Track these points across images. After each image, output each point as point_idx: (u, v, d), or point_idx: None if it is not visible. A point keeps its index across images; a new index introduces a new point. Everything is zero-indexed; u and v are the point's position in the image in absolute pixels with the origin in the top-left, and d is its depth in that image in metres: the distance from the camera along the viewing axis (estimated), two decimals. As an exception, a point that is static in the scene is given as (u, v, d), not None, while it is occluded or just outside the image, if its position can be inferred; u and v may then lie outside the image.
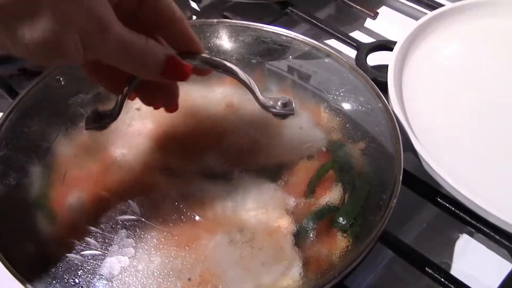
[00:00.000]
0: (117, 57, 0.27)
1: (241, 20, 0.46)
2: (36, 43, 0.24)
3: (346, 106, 0.39)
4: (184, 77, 0.30)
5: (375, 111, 0.38)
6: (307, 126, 0.37)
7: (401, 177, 0.34)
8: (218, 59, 0.32)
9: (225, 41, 0.44)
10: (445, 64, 0.48)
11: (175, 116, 0.36)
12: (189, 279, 0.30)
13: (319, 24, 0.55)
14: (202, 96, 0.37)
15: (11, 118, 0.38)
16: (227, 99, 0.37)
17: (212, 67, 0.32)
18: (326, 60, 0.42)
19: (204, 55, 0.32)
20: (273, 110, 0.36)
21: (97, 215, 0.32)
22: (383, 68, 0.47)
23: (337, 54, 0.42)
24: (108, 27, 0.26)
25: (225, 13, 0.55)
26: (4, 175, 0.34)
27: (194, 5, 0.66)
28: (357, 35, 0.57)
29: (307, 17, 0.56)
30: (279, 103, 0.36)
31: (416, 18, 0.56)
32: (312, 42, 0.43)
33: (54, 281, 0.29)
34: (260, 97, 0.34)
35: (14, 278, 0.30)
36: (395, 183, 0.34)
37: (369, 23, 0.61)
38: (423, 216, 0.43)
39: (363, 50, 0.51)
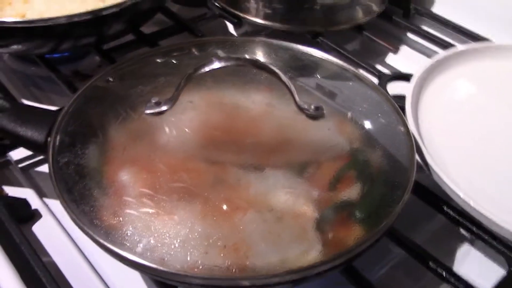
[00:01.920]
0: None
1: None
2: None
3: (369, 118, 0.44)
4: None
5: (394, 125, 0.44)
6: (334, 130, 0.42)
7: (413, 179, 0.39)
8: (265, 63, 0.38)
9: (264, 56, 0.50)
10: (456, 98, 0.54)
11: (221, 111, 0.41)
12: (225, 246, 0.35)
13: (345, 53, 0.61)
14: (246, 96, 0.43)
15: (79, 102, 0.43)
16: (267, 100, 0.43)
17: (260, 69, 0.38)
18: (354, 80, 0.48)
19: (255, 58, 0.38)
20: (307, 112, 0.41)
21: (150, 183, 0.37)
22: (401, 97, 0.53)
23: (364, 75, 0.48)
24: None
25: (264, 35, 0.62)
26: (71, 145, 0.39)
27: (232, 30, 0.73)
28: (378, 67, 0.63)
29: (335, 47, 0.62)
30: (312, 107, 0.41)
31: (430, 56, 0.63)
32: (342, 63, 0.49)
33: (113, 231, 0.34)
34: (298, 98, 0.40)
35: (79, 229, 0.35)
36: (408, 183, 0.39)
37: (388, 58, 0.68)
38: (429, 225, 0.47)
39: (384, 79, 0.57)
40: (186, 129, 0.41)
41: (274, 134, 0.41)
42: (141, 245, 0.34)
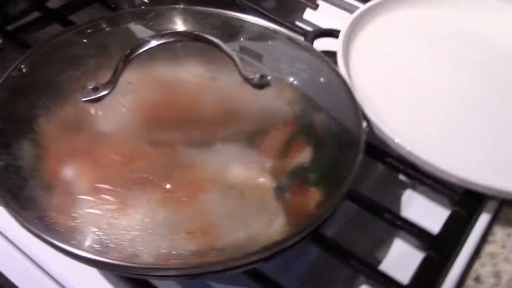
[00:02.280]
0: None
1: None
2: None
3: (310, 80, 0.44)
4: None
5: (333, 83, 0.44)
6: (279, 97, 0.42)
7: (364, 136, 0.40)
8: (208, 36, 0.37)
9: (193, 26, 0.48)
10: (382, 49, 0.56)
11: (163, 89, 0.39)
12: (190, 233, 0.34)
13: (266, 13, 0.60)
14: (186, 70, 0.41)
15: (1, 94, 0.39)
16: (210, 73, 0.41)
17: (200, 41, 0.36)
18: (287, 42, 0.47)
19: (195, 32, 0.36)
20: (252, 81, 0.40)
21: (100, 175, 0.35)
22: (330, 53, 0.53)
23: (296, 36, 0.48)
24: None
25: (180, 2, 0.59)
26: (5, 146, 0.36)
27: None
28: (300, 25, 0.63)
29: (255, 7, 0.61)
30: (257, 76, 0.40)
31: (348, 11, 0.64)
32: (274, 27, 0.48)
33: (72, 234, 0.32)
34: (242, 69, 0.39)
35: (36, 237, 0.32)
36: (359, 140, 0.39)
37: (307, 15, 0.68)
38: (372, 177, 0.49)
39: (310, 36, 0.57)
40: (130, 113, 0.38)
41: (221, 107, 0.40)
42: (103, 243, 0.32)
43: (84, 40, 0.45)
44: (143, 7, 0.63)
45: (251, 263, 0.34)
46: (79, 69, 0.41)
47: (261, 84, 0.41)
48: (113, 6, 0.59)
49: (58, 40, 0.45)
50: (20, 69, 0.42)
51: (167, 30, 0.46)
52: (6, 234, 0.41)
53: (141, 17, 0.48)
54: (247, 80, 0.40)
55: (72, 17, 0.59)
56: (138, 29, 0.47)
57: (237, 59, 0.39)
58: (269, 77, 0.41)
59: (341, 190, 0.37)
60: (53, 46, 0.44)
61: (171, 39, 0.36)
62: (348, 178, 0.37)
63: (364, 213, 0.44)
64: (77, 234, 0.33)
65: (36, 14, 0.57)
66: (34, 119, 0.38)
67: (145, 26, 0.47)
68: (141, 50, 0.36)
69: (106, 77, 0.40)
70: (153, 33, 0.46)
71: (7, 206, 0.33)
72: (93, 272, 0.39)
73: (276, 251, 0.33)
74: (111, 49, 0.44)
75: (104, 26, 0.47)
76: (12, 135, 0.37)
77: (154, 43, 0.36)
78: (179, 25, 0.47)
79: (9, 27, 0.55)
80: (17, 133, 0.37)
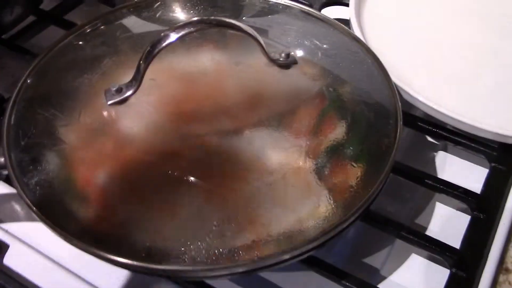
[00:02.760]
0: None
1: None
2: None
3: (334, 53, 0.42)
4: None
5: (357, 52, 0.43)
6: (305, 74, 0.40)
7: (400, 104, 0.38)
8: (230, 20, 0.35)
9: (197, 10, 0.46)
10: (394, 8, 0.54)
11: (188, 81, 0.38)
12: (238, 226, 0.33)
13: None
14: (209, 58, 0.40)
15: (18, 110, 0.37)
16: (233, 58, 0.40)
17: (225, 27, 0.35)
18: (302, 16, 0.45)
19: (216, 17, 0.34)
20: (279, 62, 0.39)
21: (138, 179, 0.34)
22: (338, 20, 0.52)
23: (304, 7, 0.46)
24: None
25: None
26: (35, 162, 0.34)
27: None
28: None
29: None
30: (283, 55, 0.39)
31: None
32: (281, 0, 0.46)
33: (119, 243, 0.31)
34: (267, 50, 0.37)
35: (86, 252, 0.31)
36: (395, 108, 0.38)
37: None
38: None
39: (316, 6, 0.55)
40: (158, 111, 0.37)
41: (249, 92, 0.39)
42: (153, 249, 0.31)
43: (90, 41, 0.43)
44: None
45: (309, 251, 0.33)
46: (95, 71, 0.39)
47: (287, 64, 0.39)
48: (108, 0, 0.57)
49: (63, 45, 0.43)
50: (32, 79, 0.40)
51: (175, 20, 0.45)
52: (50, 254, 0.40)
53: (145, 9, 0.46)
54: (272, 61, 0.39)
55: (67, 17, 0.56)
56: (145, 23, 0.45)
57: (262, 41, 0.37)
58: (295, 56, 0.39)
59: (387, 162, 0.35)
60: (59, 51, 0.42)
61: (192, 29, 0.34)
62: (393, 148, 0.36)
63: (398, 181, 0.43)
64: (126, 243, 0.31)
65: (31, 18, 0.54)
66: (59, 129, 0.36)
67: (152, 18, 0.45)
68: (162, 46, 0.34)
69: (125, 76, 0.38)
70: (162, 24, 0.44)
71: (48, 224, 0.32)
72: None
73: (334, 234, 0.32)
74: (123, 46, 0.42)
75: (107, 23, 0.45)
76: (40, 150, 0.35)
77: (174, 36, 0.34)
78: (187, 13, 0.45)
79: (4, 36, 0.52)
80: (45, 147, 0.35)
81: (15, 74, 0.55)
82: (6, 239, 0.40)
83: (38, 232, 0.40)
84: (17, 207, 0.43)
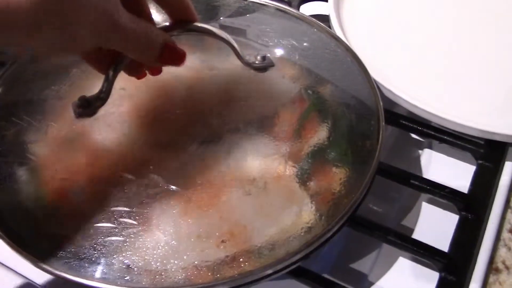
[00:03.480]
0: (120, 45, 0.29)
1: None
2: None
3: (312, 52, 0.41)
4: (179, 62, 0.32)
5: (336, 51, 0.41)
6: (283, 76, 0.39)
7: (381, 103, 0.37)
8: (203, 25, 0.33)
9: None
10: (373, 3, 0.53)
11: (160, 89, 0.36)
12: (219, 239, 0.32)
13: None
14: (184, 65, 0.38)
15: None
16: (207, 62, 0.38)
17: (201, 33, 0.33)
18: (273, 12, 0.44)
19: (188, 22, 0.33)
20: (255, 65, 0.37)
21: (114, 196, 0.32)
22: (317, 18, 0.50)
23: (284, 6, 0.44)
24: (117, 22, 0.27)
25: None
26: (1, 183, 0.33)
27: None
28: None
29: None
30: (258, 58, 0.37)
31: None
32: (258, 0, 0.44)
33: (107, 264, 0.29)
34: (242, 54, 0.36)
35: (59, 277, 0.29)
36: (377, 107, 0.37)
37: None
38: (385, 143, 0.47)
39: (295, 3, 0.54)
40: (130, 122, 0.35)
41: (226, 98, 0.37)
42: (133, 270, 0.30)
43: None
44: None
45: (293, 263, 0.31)
46: (63, 81, 0.37)
47: (264, 66, 0.38)
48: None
49: (31, 53, 0.41)
50: (-2, 92, 0.38)
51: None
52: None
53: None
54: (248, 64, 0.37)
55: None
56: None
57: (235, 45, 0.35)
58: (270, 58, 0.38)
59: (371, 164, 0.34)
60: (26, 61, 0.40)
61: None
62: (376, 149, 0.35)
63: (383, 182, 0.42)
64: (101, 266, 0.30)
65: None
66: (26, 145, 0.34)
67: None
68: (131, 54, 0.33)
69: (93, 87, 0.36)
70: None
71: (20, 253, 0.30)
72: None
73: (320, 244, 0.31)
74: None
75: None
76: (6, 169, 0.33)
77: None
78: (157, 15, 0.44)
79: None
80: (11, 165, 0.33)
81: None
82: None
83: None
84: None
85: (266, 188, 0.34)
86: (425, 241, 0.38)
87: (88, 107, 0.34)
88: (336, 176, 0.35)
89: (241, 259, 0.31)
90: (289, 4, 0.54)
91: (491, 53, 0.48)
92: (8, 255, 0.33)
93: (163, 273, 0.30)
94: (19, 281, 0.37)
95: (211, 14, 0.44)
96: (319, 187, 0.34)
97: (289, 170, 0.35)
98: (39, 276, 0.36)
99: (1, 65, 0.40)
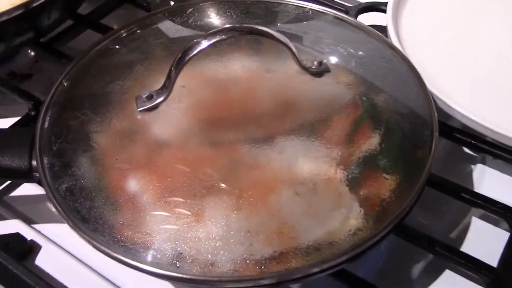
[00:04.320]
0: None
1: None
2: None
3: (368, 60, 0.42)
4: None
5: (392, 60, 0.42)
6: (338, 82, 0.39)
7: (436, 114, 0.37)
8: (262, 27, 0.34)
9: (229, 17, 0.46)
10: (431, 15, 0.53)
11: (219, 88, 0.38)
12: (267, 236, 0.32)
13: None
14: (239, 65, 0.39)
15: (52, 114, 0.38)
16: (265, 65, 0.39)
17: (257, 35, 0.34)
18: (335, 22, 0.45)
19: (247, 25, 0.34)
20: (311, 70, 0.38)
21: (168, 187, 0.33)
22: (375, 28, 0.51)
23: (342, 14, 0.45)
24: None
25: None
26: (66, 167, 0.35)
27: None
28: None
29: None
30: (315, 63, 0.38)
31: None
32: (317, 7, 0.45)
33: (149, 252, 0.31)
34: (300, 58, 0.37)
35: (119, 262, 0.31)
36: (431, 118, 0.37)
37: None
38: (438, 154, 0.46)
39: (352, 12, 0.54)
40: (188, 118, 0.37)
41: (281, 100, 0.38)
42: (183, 258, 0.31)
43: (125, 46, 0.43)
44: (175, 3, 0.61)
45: (339, 264, 0.32)
46: (127, 77, 0.39)
47: (320, 71, 0.38)
48: (144, 4, 0.57)
49: (99, 49, 0.43)
50: (67, 83, 0.40)
51: (209, 26, 0.45)
52: (80, 256, 0.40)
53: (179, 15, 0.46)
54: (305, 69, 0.38)
55: (104, 21, 0.57)
56: (178, 28, 0.45)
57: (294, 49, 0.36)
58: (326, 62, 0.39)
59: (422, 174, 0.34)
60: (94, 55, 0.43)
61: (223, 37, 0.34)
62: (428, 160, 0.35)
63: (433, 194, 0.41)
64: (155, 252, 0.31)
65: (68, 22, 0.55)
66: (90, 135, 0.36)
67: (185, 24, 0.45)
68: (193, 53, 0.34)
69: (156, 82, 0.38)
70: (194, 30, 0.44)
71: (78, 230, 0.32)
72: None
73: (365, 248, 0.32)
74: (156, 52, 0.42)
75: (142, 28, 0.45)
76: (71, 155, 0.35)
77: (205, 43, 0.34)
78: (220, 19, 0.45)
79: (42, 39, 0.53)
80: (76, 152, 0.35)
81: (52, 77, 0.56)
82: (39, 240, 0.41)
83: (70, 234, 0.40)
84: (49, 208, 0.44)
85: (316, 190, 0.34)
86: (474, 255, 0.37)
87: (151, 101, 0.36)
88: (386, 183, 0.35)
89: (288, 256, 0.31)
90: (347, 13, 0.54)
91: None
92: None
93: (212, 263, 0.31)
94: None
95: (270, 19, 0.45)
96: (368, 193, 0.35)
97: (339, 174, 0.35)
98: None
99: (70, 59, 0.42)
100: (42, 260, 0.40)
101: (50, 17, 0.50)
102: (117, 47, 0.43)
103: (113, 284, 0.39)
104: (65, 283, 0.39)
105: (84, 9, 0.57)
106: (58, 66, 0.53)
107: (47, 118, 0.38)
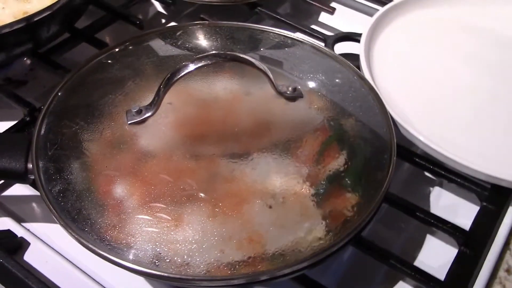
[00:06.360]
0: None
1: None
2: None
3: (337, 87, 0.46)
4: None
5: (360, 89, 0.46)
6: (309, 107, 0.44)
7: (395, 140, 0.42)
8: (244, 55, 0.39)
9: (214, 41, 0.50)
10: (402, 48, 0.57)
11: (202, 107, 0.42)
12: (238, 243, 0.36)
13: (286, 20, 0.62)
14: (222, 88, 0.43)
15: (49, 121, 0.42)
16: (245, 88, 0.43)
17: (235, 61, 0.39)
18: (309, 49, 0.49)
19: (231, 53, 0.38)
20: (286, 94, 0.42)
21: (151, 193, 0.37)
22: (349, 56, 0.55)
23: (315, 43, 0.49)
24: None
25: (201, 15, 0.61)
26: (59, 171, 0.38)
27: (160, 9, 0.71)
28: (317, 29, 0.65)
29: (274, 15, 0.63)
30: (289, 89, 0.42)
31: (365, 13, 0.66)
32: (300, 37, 0.50)
33: (128, 249, 0.35)
34: (276, 84, 0.41)
35: (104, 259, 0.34)
36: (391, 143, 0.41)
37: (322, 18, 0.69)
38: (399, 176, 0.51)
39: (330, 41, 0.59)
40: (172, 132, 0.40)
41: (257, 121, 0.42)
42: (161, 258, 0.35)
43: (118, 62, 0.47)
44: (168, 24, 0.65)
45: (300, 270, 0.36)
46: (118, 92, 0.43)
47: (294, 97, 0.43)
48: (137, 22, 0.61)
49: (94, 63, 0.47)
50: (63, 94, 0.44)
51: (197, 48, 0.49)
52: (65, 254, 0.43)
53: (169, 35, 0.50)
54: (280, 93, 0.42)
55: (99, 35, 0.61)
56: (168, 48, 0.49)
57: (271, 76, 0.40)
58: (300, 88, 0.43)
59: (379, 193, 0.38)
60: (90, 69, 0.46)
61: (208, 62, 0.38)
62: (385, 181, 0.39)
63: (394, 212, 0.46)
64: (136, 251, 0.35)
65: (65, 35, 0.59)
66: (83, 143, 0.40)
67: (175, 44, 0.49)
68: (180, 75, 0.38)
69: (146, 98, 0.42)
70: (183, 51, 0.48)
71: (68, 229, 0.35)
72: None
73: (325, 256, 0.35)
74: (146, 69, 0.46)
75: (135, 46, 0.49)
76: (64, 160, 0.39)
77: (192, 67, 0.38)
78: (207, 42, 0.49)
79: (40, 50, 0.57)
80: (69, 158, 0.39)
81: (46, 85, 0.60)
82: (28, 237, 0.44)
83: (56, 233, 0.44)
84: (39, 208, 0.47)
85: (284, 203, 0.38)
86: (424, 269, 0.41)
87: (140, 115, 0.40)
88: (348, 200, 0.39)
89: (256, 261, 0.35)
90: (325, 42, 0.59)
91: (506, 104, 0.52)
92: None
93: (188, 264, 0.35)
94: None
95: (253, 45, 0.49)
96: (331, 208, 0.39)
97: (306, 189, 0.39)
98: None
99: (67, 70, 0.46)
100: (30, 256, 0.43)
101: (49, 30, 0.53)
102: (111, 62, 0.47)
103: (94, 280, 0.42)
104: (50, 277, 0.42)
105: (80, 23, 0.60)
106: (53, 75, 0.56)
107: (44, 125, 0.41)
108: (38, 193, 0.38)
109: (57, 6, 0.51)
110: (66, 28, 0.57)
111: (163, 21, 0.70)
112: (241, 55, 0.39)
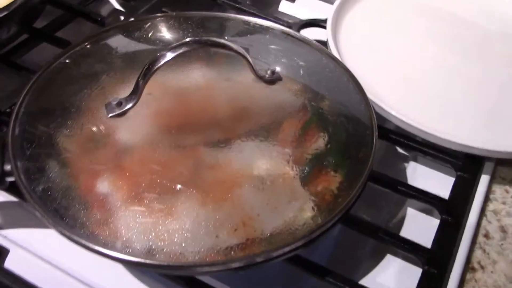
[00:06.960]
0: None
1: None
2: None
3: (312, 69, 0.46)
4: None
5: (335, 70, 0.47)
6: (288, 90, 0.44)
7: (375, 117, 0.42)
8: (223, 40, 0.38)
9: (185, 31, 0.49)
10: (366, 30, 0.59)
11: (182, 96, 0.41)
12: (232, 228, 0.36)
13: (248, 10, 0.62)
14: (201, 75, 0.43)
15: (22, 122, 0.40)
16: (224, 75, 0.43)
17: (218, 47, 0.38)
18: (279, 35, 0.49)
19: (209, 38, 0.38)
20: (265, 78, 0.42)
21: (140, 184, 0.36)
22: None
23: (285, 28, 0.50)
24: None
25: (163, 9, 0.60)
26: (41, 170, 0.37)
27: (117, 6, 0.70)
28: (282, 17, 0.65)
29: (236, 5, 0.63)
30: (268, 72, 0.43)
31: (325, 1, 0.67)
32: (269, 23, 0.50)
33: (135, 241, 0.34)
34: (256, 67, 0.41)
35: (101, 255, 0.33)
36: (371, 122, 0.42)
37: (283, 8, 0.70)
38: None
39: (295, 28, 0.59)
40: (154, 123, 0.40)
41: (239, 106, 0.42)
42: (155, 248, 0.34)
43: (88, 57, 0.46)
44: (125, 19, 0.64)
45: (296, 249, 0.36)
46: (95, 86, 0.42)
47: (273, 80, 0.43)
48: (98, 19, 0.59)
49: (62, 61, 0.46)
50: (34, 93, 0.42)
51: (166, 39, 0.48)
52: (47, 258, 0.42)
53: (138, 28, 0.49)
54: (260, 77, 0.42)
55: (59, 33, 0.59)
56: (139, 41, 0.48)
57: (250, 60, 0.40)
58: (278, 71, 0.43)
59: (365, 169, 0.39)
60: (58, 67, 0.45)
61: (187, 48, 0.38)
62: (370, 156, 0.40)
63: (372, 189, 0.46)
64: (131, 243, 0.34)
65: (24, 36, 0.57)
66: (63, 139, 0.38)
67: (145, 36, 0.48)
68: (160, 64, 0.38)
69: (122, 91, 0.41)
70: (154, 44, 0.47)
71: (58, 227, 0.34)
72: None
73: (319, 234, 0.36)
74: (119, 63, 0.45)
75: (102, 41, 0.48)
76: (44, 159, 0.37)
77: (170, 55, 0.38)
78: (178, 32, 0.49)
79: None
80: (49, 156, 0.38)
81: (6, 88, 0.57)
82: (6, 244, 0.43)
83: (37, 238, 0.42)
84: (16, 214, 0.45)
85: (272, 186, 0.38)
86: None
87: (120, 107, 0.39)
88: (335, 179, 0.40)
89: (249, 245, 0.35)
90: (290, 28, 0.59)
91: (473, 75, 0.55)
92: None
93: (182, 252, 0.34)
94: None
95: (225, 33, 0.49)
96: (319, 187, 0.39)
97: (293, 171, 0.39)
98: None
99: (30, 71, 0.44)
100: (12, 263, 0.42)
101: (8, 31, 0.51)
102: (81, 58, 0.46)
103: (82, 282, 0.41)
104: (35, 283, 0.41)
105: (39, 23, 0.58)
106: (15, 78, 0.54)
107: (17, 126, 0.40)
108: (13, 199, 0.36)
109: (14, 6, 0.50)
110: (26, 29, 0.55)
111: (122, 18, 0.68)
112: (220, 40, 0.39)
